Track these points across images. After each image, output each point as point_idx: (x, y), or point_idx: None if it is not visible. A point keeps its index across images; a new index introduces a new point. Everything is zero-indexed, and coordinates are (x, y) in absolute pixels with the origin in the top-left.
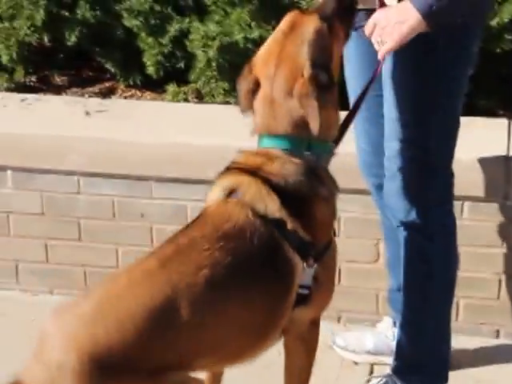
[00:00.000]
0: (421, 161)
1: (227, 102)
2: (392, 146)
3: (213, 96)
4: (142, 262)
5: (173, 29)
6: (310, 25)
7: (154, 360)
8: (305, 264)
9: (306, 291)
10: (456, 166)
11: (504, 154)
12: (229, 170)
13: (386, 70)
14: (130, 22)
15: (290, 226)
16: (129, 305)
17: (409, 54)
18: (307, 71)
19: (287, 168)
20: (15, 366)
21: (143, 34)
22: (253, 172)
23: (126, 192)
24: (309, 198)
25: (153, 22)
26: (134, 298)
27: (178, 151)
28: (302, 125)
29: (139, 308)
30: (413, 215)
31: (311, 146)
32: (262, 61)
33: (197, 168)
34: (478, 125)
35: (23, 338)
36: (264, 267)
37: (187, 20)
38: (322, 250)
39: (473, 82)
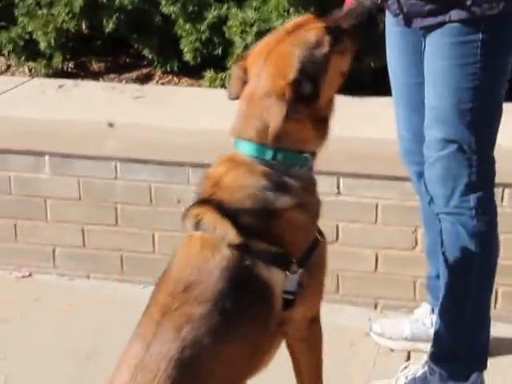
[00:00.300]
0: (461, 148)
1: None
2: (432, 133)
3: None
4: (130, 348)
5: (210, 15)
6: (313, 32)
7: None
8: (287, 272)
9: (290, 296)
10: (496, 153)
11: None
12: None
13: (427, 57)
14: (168, 9)
15: (254, 246)
16: None
17: (449, 41)
18: (291, 75)
19: (243, 180)
20: (52, 349)
21: (181, 21)
22: (207, 199)
23: (163, 178)
24: (270, 210)
25: (191, 8)
26: None
27: (215, 137)
28: (269, 131)
29: None
30: (453, 202)
31: (278, 154)
32: (256, 53)
33: None
34: None
35: (59, 321)
36: (240, 295)
37: (225, 6)
38: (304, 255)
39: None
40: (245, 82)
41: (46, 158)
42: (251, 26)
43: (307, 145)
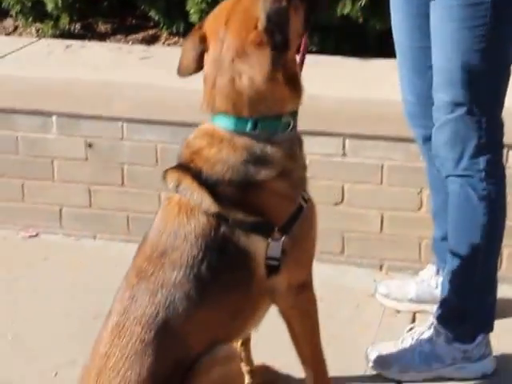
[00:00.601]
0: (470, 110)
1: None
2: (441, 96)
3: None
4: (110, 312)
5: None
6: None
7: None
8: (269, 239)
9: (275, 262)
10: (503, 114)
11: None
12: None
13: (434, 20)
14: None
15: (232, 215)
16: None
17: (457, 3)
18: (262, 24)
19: (224, 155)
20: (58, 308)
21: None
22: (187, 166)
23: (169, 138)
24: (248, 183)
25: None
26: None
27: None
28: (247, 100)
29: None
30: (461, 165)
31: (259, 124)
32: (214, 19)
33: None
34: None
35: (66, 281)
36: (215, 262)
37: None
38: (287, 222)
39: None
40: (202, 53)
41: (54, 118)
42: None
43: (285, 106)
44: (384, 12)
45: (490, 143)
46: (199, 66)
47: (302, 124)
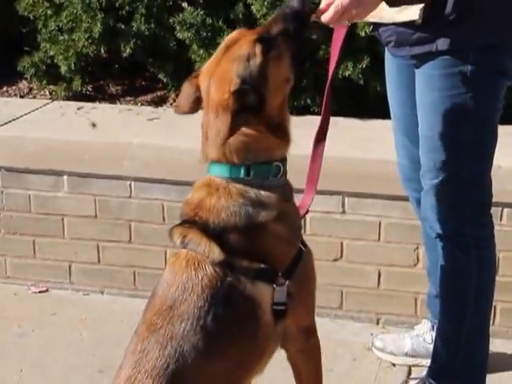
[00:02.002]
0: (453, 176)
1: None
2: (425, 162)
3: None
4: (122, 366)
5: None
6: (245, 46)
7: None
8: (274, 285)
9: (281, 307)
10: (495, 173)
11: None
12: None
13: (418, 89)
14: (183, 34)
15: (238, 263)
16: None
17: (438, 72)
18: (231, 88)
19: (223, 202)
20: (66, 362)
21: (195, 46)
22: (191, 221)
23: (175, 197)
24: (251, 226)
25: (204, 34)
26: None
27: None
28: (234, 150)
29: None
30: (448, 228)
31: (252, 170)
32: (204, 72)
33: None
34: None
35: (74, 335)
36: (222, 312)
37: None
38: (290, 266)
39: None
40: (197, 99)
41: (65, 177)
42: None
43: (273, 153)
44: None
45: (476, 207)
46: (194, 109)
47: (304, 183)
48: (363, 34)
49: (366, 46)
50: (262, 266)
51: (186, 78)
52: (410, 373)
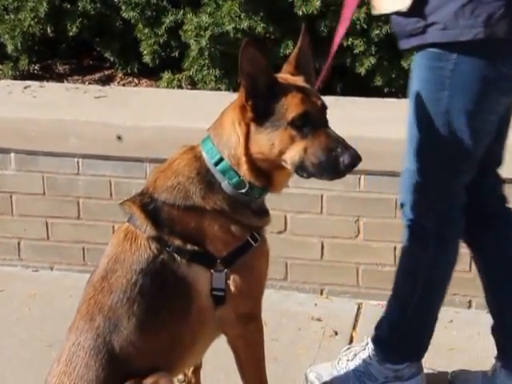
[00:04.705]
0: (420, 169)
1: (218, 89)
2: (406, 145)
3: (205, 83)
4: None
5: (168, 20)
6: None
7: None
8: (212, 271)
9: (221, 293)
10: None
11: None
12: None
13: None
14: (128, 14)
15: (171, 241)
16: None
17: (423, 62)
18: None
19: (179, 178)
20: (14, 338)
21: (140, 25)
22: (142, 193)
23: (122, 173)
24: (191, 208)
25: (149, 13)
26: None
27: (172, 134)
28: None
29: None
30: (413, 214)
31: (221, 163)
32: None
33: None
34: None
35: (23, 310)
36: (152, 288)
37: (181, 12)
38: (231, 255)
39: None
40: None
41: (12, 155)
42: (205, 29)
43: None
44: None
45: (439, 203)
46: None
47: None
48: (301, 13)
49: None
50: (196, 248)
51: (132, 56)
52: (351, 340)
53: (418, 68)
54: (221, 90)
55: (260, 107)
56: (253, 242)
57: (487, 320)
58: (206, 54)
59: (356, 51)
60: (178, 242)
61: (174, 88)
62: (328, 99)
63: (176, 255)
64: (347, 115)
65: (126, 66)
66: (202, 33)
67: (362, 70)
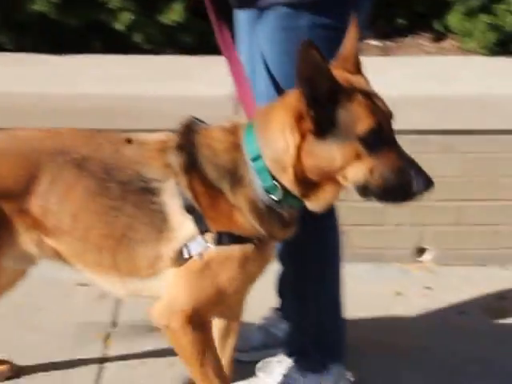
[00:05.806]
0: None
1: None
2: None
3: None
4: None
5: None
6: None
7: None
8: (200, 235)
9: (185, 257)
10: None
11: None
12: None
13: (262, 43)
14: None
15: (184, 185)
16: None
17: (277, 24)
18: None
19: (215, 151)
20: None
21: None
22: (181, 143)
23: None
24: (212, 183)
25: None
26: None
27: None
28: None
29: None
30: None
31: (259, 161)
32: None
33: None
34: None
35: None
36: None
37: None
38: (225, 236)
39: None
40: None
41: None
42: None
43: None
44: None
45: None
46: None
47: None
48: None
49: None
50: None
51: None
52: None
53: (271, 31)
54: None
55: (323, 120)
56: (255, 240)
57: None
58: None
59: (112, 6)
60: (188, 194)
61: None
62: (87, 57)
63: (179, 195)
64: (107, 73)
65: None
66: None
67: (120, 27)
